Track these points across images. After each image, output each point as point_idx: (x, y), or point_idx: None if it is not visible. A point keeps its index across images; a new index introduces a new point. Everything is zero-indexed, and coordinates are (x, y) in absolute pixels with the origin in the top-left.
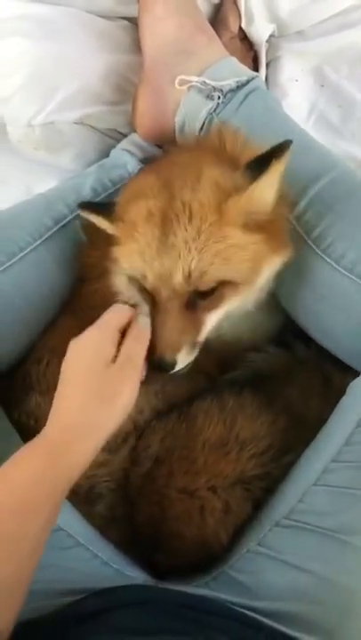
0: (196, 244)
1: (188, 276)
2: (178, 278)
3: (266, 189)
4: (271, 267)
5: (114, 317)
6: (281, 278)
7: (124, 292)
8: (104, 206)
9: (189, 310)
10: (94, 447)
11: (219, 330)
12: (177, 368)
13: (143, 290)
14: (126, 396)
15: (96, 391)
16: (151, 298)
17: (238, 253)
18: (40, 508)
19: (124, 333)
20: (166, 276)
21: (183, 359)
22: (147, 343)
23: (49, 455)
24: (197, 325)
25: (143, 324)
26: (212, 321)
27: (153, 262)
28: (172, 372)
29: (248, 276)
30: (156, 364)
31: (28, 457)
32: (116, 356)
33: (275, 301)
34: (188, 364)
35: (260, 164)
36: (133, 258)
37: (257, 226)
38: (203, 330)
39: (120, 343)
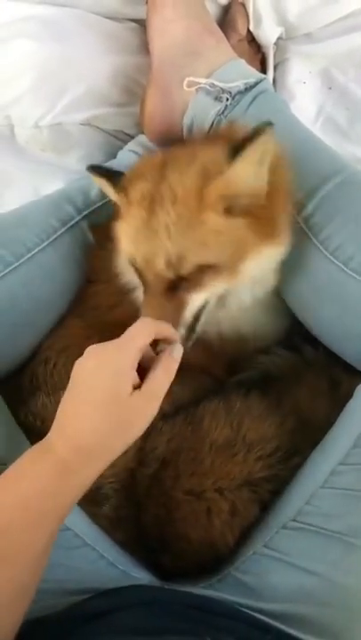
0: (175, 228)
1: (169, 262)
2: (160, 264)
3: (245, 172)
4: (260, 256)
5: (139, 337)
6: (288, 280)
7: (125, 273)
8: (113, 173)
9: (172, 292)
10: (102, 468)
11: (219, 325)
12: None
13: (138, 270)
14: (143, 425)
15: (115, 419)
16: (143, 278)
17: (218, 238)
18: (45, 521)
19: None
20: (150, 259)
21: None
22: (174, 375)
23: (59, 472)
24: (180, 305)
25: (177, 355)
26: (196, 302)
27: (140, 245)
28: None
29: (230, 260)
30: None
31: (38, 469)
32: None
33: (281, 303)
34: None
35: (241, 148)
36: (126, 240)
37: (242, 211)
38: (186, 310)
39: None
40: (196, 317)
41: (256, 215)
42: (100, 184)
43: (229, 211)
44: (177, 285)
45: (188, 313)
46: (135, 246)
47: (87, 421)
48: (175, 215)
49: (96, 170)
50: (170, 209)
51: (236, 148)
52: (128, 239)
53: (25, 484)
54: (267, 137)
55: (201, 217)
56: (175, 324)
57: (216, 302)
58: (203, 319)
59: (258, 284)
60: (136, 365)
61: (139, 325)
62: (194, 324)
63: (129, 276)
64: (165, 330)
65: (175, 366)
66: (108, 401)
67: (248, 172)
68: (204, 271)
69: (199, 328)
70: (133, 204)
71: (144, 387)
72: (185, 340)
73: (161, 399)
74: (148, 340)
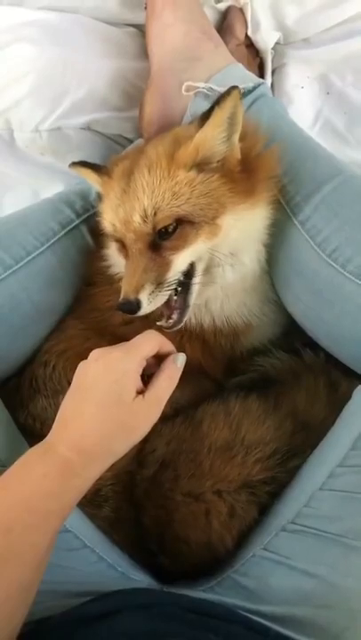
0: (150, 186)
1: (145, 215)
2: (136, 218)
3: (213, 133)
4: (237, 214)
5: (145, 346)
6: (286, 283)
7: (115, 263)
8: (96, 164)
9: (155, 252)
10: (103, 470)
11: (209, 312)
12: (143, 308)
13: (122, 247)
14: (145, 429)
15: (118, 422)
16: (126, 251)
17: (190, 189)
18: (48, 522)
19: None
20: (128, 219)
21: (148, 299)
22: (177, 382)
23: (62, 473)
24: (164, 266)
25: (180, 364)
26: (179, 262)
27: (118, 210)
28: (139, 312)
29: (205, 213)
30: (121, 305)
31: (40, 471)
32: (143, 385)
33: (272, 293)
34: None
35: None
36: (107, 212)
37: (213, 169)
38: (170, 270)
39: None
40: (186, 286)
41: (231, 172)
42: (85, 175)
43: (199, 168)
44: (158, 245)
45: (173, 273)
46: (115, 213)
47: (90, 421)
48: (150, 176)
49: (79, 164)
50: (145, 172)
51: (206, 114)
52: (109, 210)
53: (28, 486)
54: (231, 99)
55: (173, 174)
56: (160, 286)
57: (202, 276)
58: (194, 292)
59: (240, 255)
60: (140, 371)
61: (146, 336)
62: (186, 297)
63: (119, 266)
64: (170, 345)
65: (178, 374)
66: (111, 403)
67: (216, 133)
68: (183, 227)
69: (191, 302)
70: (115, 179)
71: (148, 392)
72: (180, 314)
73: (163, 405)
74: (154, 350)
